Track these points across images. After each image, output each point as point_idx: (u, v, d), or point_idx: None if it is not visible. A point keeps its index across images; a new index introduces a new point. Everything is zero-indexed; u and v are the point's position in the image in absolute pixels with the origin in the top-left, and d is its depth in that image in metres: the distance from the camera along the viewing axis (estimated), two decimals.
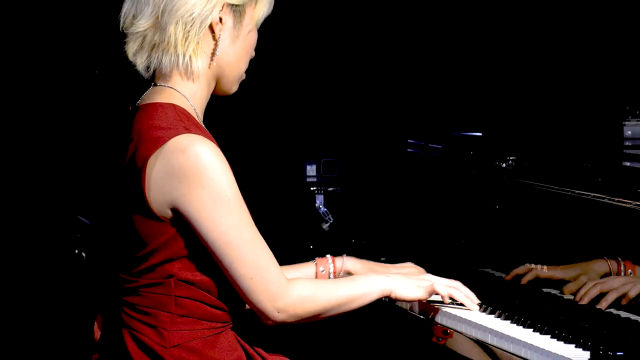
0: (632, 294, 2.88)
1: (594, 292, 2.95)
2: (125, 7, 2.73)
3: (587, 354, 2.60)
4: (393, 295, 2.84)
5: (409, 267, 3.08)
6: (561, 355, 2.62)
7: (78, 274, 4.49)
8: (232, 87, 2.80)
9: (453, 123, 4.14)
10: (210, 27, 2.70)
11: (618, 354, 2.54)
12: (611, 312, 2.88)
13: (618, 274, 2.96)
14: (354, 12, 4.54)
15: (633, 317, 2.82)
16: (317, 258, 3.04)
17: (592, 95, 3.88)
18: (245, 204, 2.64)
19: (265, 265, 2.64)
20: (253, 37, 2.78)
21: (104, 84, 4.60)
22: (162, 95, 2.71)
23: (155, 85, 2.75)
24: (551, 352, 2.66)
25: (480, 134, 3.84)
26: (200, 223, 2.60)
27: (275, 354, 2.81)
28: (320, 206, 4.17)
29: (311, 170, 4.28)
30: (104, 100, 4.60)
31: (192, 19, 2.67)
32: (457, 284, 2.94)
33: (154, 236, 2.64)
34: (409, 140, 4.00)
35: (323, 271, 3.01)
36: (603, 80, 3.87)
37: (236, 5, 2.71)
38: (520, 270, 3.18)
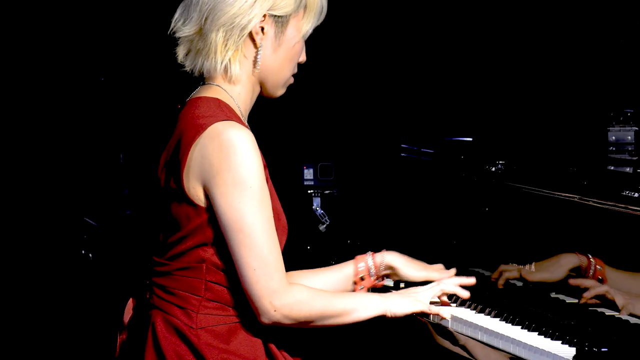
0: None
1: (594, 292, 2.92)
2: (177, 13, 2.76)
3: (573, 350, 2.61)
4: (388, 315, 2.80)
5: (439, 269, 3.04)
6: (548, 352, 2.63)
7: (85, 273, 4.50)
8: (277, 91, 2.81)
9: (445, 128, 4.15)
10: (251, 36, 2.72)
11: (603, 350, 2.54)
12: (596, 310, 2.88)
13: (588, 269, 2.95)
14: (350, 21, 4.55)
15: (617, 314, 2.83)
16: (356, 256, 2.98)
17: (578, 102, 3.89)
18: (268, 198, 2.64)
19: (272, 261, 2.63)
20: (298, 47, 2.78)
21: (110, 90, 4.61)
22: (208, 91, 2.74)
23: (204, 83, 2.77)
24: (538, 348, 2.67)
25: (470, 139, 3.85)
26: (220, 205, 2.60)
27: (295, 358, 2.80)
28: (317, 208, 4.18)
29: (308, 173, 4.29)
30: (109, 106, 4.61)
31: (232, 27, 2.69)
32: (438, 289, 2.90)
33: (188, 221, 2.65)
34: (403, 145, 4.01)
35: (362, 267, 2.95)
36: (588, 88, 3.88)
37: (279, 16, 2.73)
38: (503, 267, 3.18)
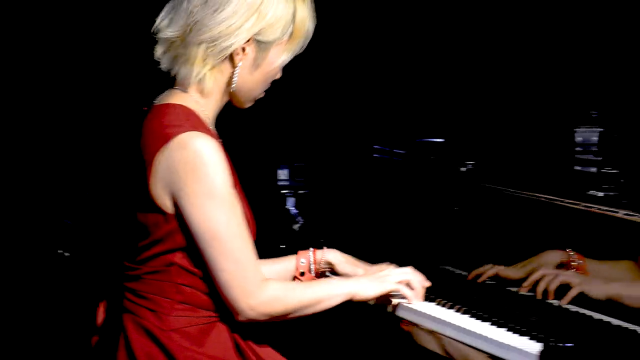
0: (580, 288, 2.92)
1: (554, 286, 2.97)
2: (163, 12, 2.74)
3: (540, 345, 2.63)
4: (356, 298, 2.83)
5: (386, 267, 3.05)
6: (515, 347, 2.65)
7: (61, 272, 4.50)
8: (245, 105, 2.82)
9: (416, 130, 4.17)
10: (231, 55, 2.71)
11: (567, 345, 2.57)
12: (561, 306, 2.91)
13: (569, 261, 2.99)
14: (321, 24, 4.56)
15: (582, 310, 2.86)
16: (299, 251, 3.04)
17: (546, 104, 3.92)
18: (237, 203, 2.65)
19: (246, 262, 2.65)
20: (275, 71, 2.78)
21: (91, 93, 4.61)
22: (176, 97, 2.73)
23: (173, 87, 2.77)
24: (506, 344, 2.69)
25: (441, 140, 3.88)
26: (191, 215, 2.62)
27: (262, 345, 2.82)
28: (291, 208, 4.19)
29: (282, 174, 4.30)
30: (90, 108, 4.61)
31: (215, 45, 2.68)
32: (409, 272, 2.92)
33: (157, 228, 2.66)
34: (375, 146, 4.02)
35: (303, 262, 3.00)
36: (555, 90, 3.91)
37: (262, 41, 2.72)
38: (480, 270, 3.21)
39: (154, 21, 2.76)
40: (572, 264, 2.99)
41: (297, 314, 2.75)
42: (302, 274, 2.99)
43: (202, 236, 2.63)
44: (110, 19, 4.55)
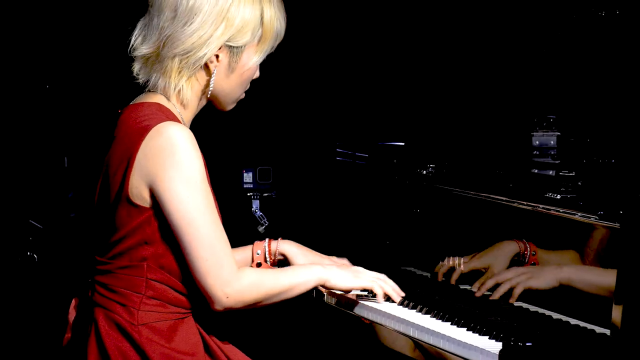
0: (525, 285, 2.95)
1: (489, 284, 3.01)
2: (137, 30, 2.76)
3: (500, 344, 2.65)
4: (328, 285, 2.85)
5: (342, 262, 3.09)
6: (476, 346, 2.67)
7: (30, 275, 4.47)
8: (227, 107, 2.84)
9: (378, 134, 4.18)
10: (205, 64, 2.73)
11: (527, 344, 2.59)
12: (521, 306, 2.93)
13: (525, 252, 3.00)
14: (287, 28, 4.56)
15: (541, 310, 2.87)
16: (255, 242, 3.03)
17: (504, 109, 3.93)
18: (210, 192, 2.66)
19: (221, 250, 2.65)
20: (250, 72, 2.80)
21: (55, 97, 4.58)
22: (151, 97, 2.75)
23: (149, 91, 2.78)
24: (467, 343, 2.70)
25: (402, 143, 3.88)
26: (167, 201, 2.62)
27: (225, 342, 2.82)
28: (256, 210, 4.19)
29: (248, 177, 4.30)
30: (54, 112, 4.59)
31: (188, 57, 2.70)
32: (383, 277, 2.96)
33: (129, 220, 2.66)
34: (338, 150, 4.03)
35: (259, 254, 3.00)
36: (513, 95, 3.92)
37: (234, 47, 2.74)
38: (443, 268, 3.22)
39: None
40: (526, 254, 3.00)
41: (271, 301, 2.76)
42: (259, 264, 3.00)
43: (178, 223, 2.63)
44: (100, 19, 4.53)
